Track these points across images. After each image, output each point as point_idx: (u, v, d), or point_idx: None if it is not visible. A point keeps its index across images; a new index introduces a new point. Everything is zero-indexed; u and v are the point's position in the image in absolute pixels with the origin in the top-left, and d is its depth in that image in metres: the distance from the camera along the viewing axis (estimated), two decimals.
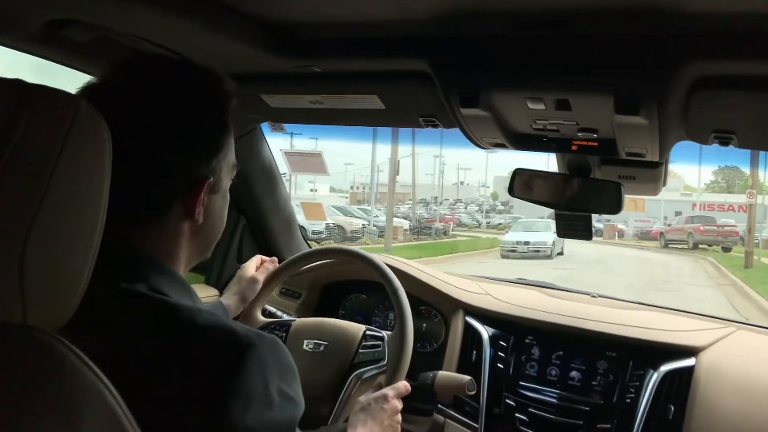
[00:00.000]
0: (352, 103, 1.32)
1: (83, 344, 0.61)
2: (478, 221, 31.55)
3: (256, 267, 1.60)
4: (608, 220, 27.34)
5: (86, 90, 0.78)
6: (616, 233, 24.34)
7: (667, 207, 25.71)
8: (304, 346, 1.54)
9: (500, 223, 29.64)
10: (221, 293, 2.13)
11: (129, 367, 0.67)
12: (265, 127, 1.91)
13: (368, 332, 1.52)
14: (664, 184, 1.41)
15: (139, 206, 0.77)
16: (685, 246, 21.68)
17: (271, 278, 1.69)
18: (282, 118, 1.68)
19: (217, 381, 0.68)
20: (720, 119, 1.03)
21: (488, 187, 40.79)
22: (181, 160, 0.78)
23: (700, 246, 21.33)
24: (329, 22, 1.04)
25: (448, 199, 37.10)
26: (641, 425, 1.41)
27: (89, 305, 0.63)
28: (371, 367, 1.47)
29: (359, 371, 1.46)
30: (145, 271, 0.76)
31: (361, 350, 1.49)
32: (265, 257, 1.65)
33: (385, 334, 1.51)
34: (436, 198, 36.70)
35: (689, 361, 1.45)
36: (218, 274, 2.16)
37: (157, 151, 0.75)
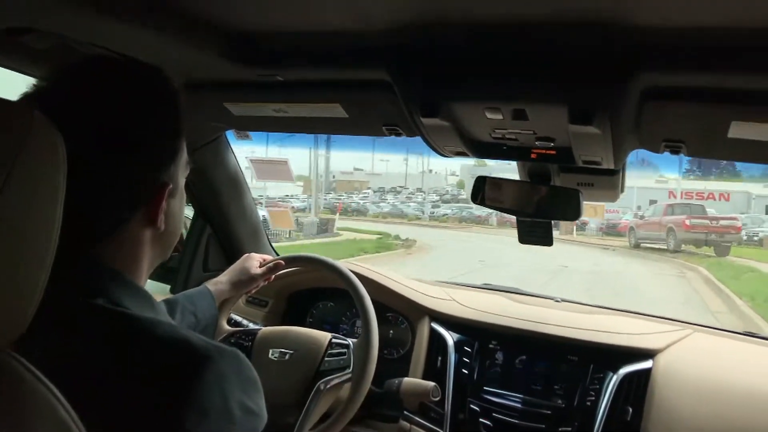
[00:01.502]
0: (316, 111, 1.33)
1: (39, 360, 0.60)
2: (422, 212, 28.20)
3: (259, 264, 1.58)
4: None
5: (30, 97, 0.75)
6: (575, 227, 19.93)
7: (640, 195, 20.61)
8: (270, 355, 1.53)
9: (446, 214, 26.51)
10: None
11: (84, 380, 0.66)
12: (230, 134, 1.91)
13: (334, 340, 1.52)
14: (622, 191, 1.44)
15: (99, 218, 0.75)
16: (663, 246, 15.32)
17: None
18: (246, 126, 1.67)
19: (172, 394, 0.67)
20: (669, 129, 1.07)
21: (456, 175, 39.96)
22: (140, 169, 0.76)
23: (684, 247, 14.89)
24: (291, 32, 1.05)
25: (407, 188, 35.95)
26: (601, 428, 1.44)
27: (47, 319, 0.62)
28: (336, 375, 1.47)
29: (325, 379, 1.46)
30: (106, 284, 0.75)
31: (326, 358, 1.49)
32: (267, 256, 1.63)
33: (350, 341, 1.52)
34: (394, 187, 35.80)
35: (647, 364, 1.48)
36: (184, 283, 2.14)
37: (115, 162, 0.74)
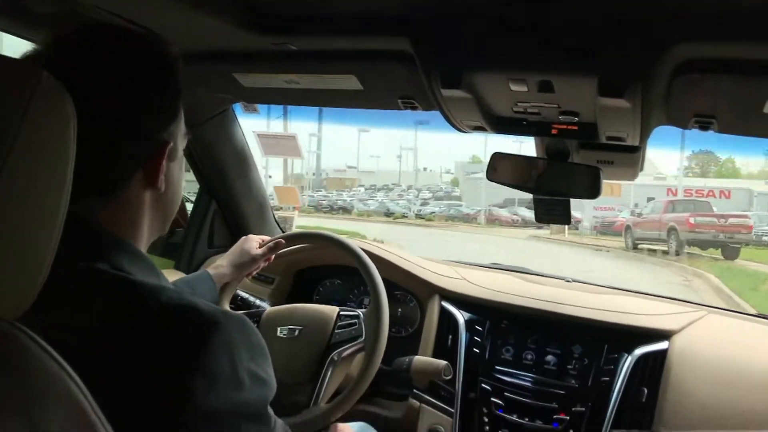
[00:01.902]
0: (329, 83, 1.29)
1: (42, 329, 0.58)
2: (409, 209, 26.59)
3: (258, 245, 1.56)
4: None
5: (34, 59, 0.75)
6: (566, 226, 16.52)
7: (637, 192, 19.40)
8: (278, 333, 1.51)
9: (433, 212, 24.98)
10: None
11: (91, 350, 0.64)
12: (237, 108, 1.86)
13: (342, 312, 1.50)
14: (642, 169, 1.41)
15: (100, 177, 0.74)
16: (664, 248, 13.36)
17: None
18: (255, 98, 1.63)
19: (181, 361, 0.66)
20: (701, 103, 1.03)
21: (451, 173, 39.57)
22: (141, 123, 0.76)
23: (687, 249, 12.93)
24: None
25: (400, 185, 35.11)
26: (615, 408, 1.42)
27: (47, 287, 0.59)
28: (349, 345, 1.45)
29: (338, 350, 1.44)
30: (107, 249, 0.73)
31: (337, 330, 1.47)
32: (266, 237, 1.60)
33: (360, 312, 1.50)
34: (386, 185, 35.15)
35: (662, 345, 1.46)
36: (189, 259, 2.12)
37: (117, 117, 0.74)
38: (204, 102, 1.71)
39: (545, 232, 18.34)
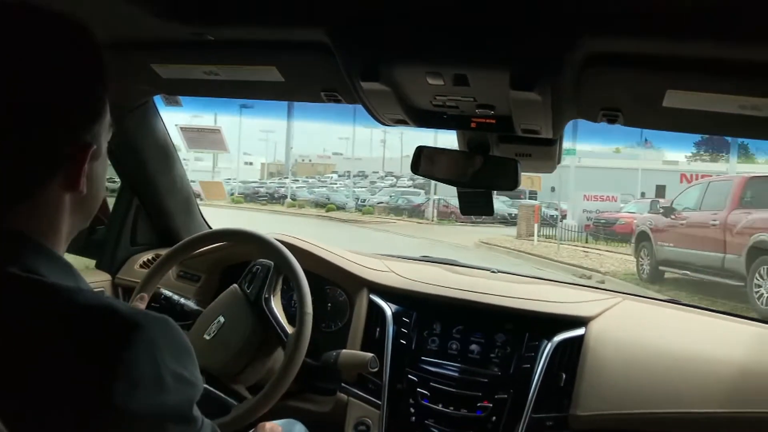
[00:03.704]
0: (250, 74, 1.27)
1: None
2: (358, 199, 23.49)
3: None
4: (531, 194, 17.23)
5: None
6: (537, 224, 12.84)
7: (645, 179, 15.38)
8: (205, 336, 1.54)
9: (381, 203, 21.90)
10: (114, 278, 2.02)
11: (3, 357, 0.61)
12: (158, 100, 1.81)
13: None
14: (559, 162, 1.46)
15: (16, 181, 0.70)
16: (732, 283, 7.08)
17: (163, 263, 1.63)
18: (175, 90, 1.59)
19: (99, 366, 0.64)
20: (607, 97, 1.08)
21: None
22: (60, 124, 0.71)
23: None
24: None
25: (377, 172, 33.19)
26: (535, 393, 1.47)
27: None
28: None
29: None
30: (19, 251, 0.69)
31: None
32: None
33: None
34: (362, 172, 33.28)
35: (579, 331, 1.53)
36: (111, 257, 2.05)
37: (30, 116, 0.68)
38: (122, 93, 1.65)
39: (506, 234, 13.86)
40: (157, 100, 1.80)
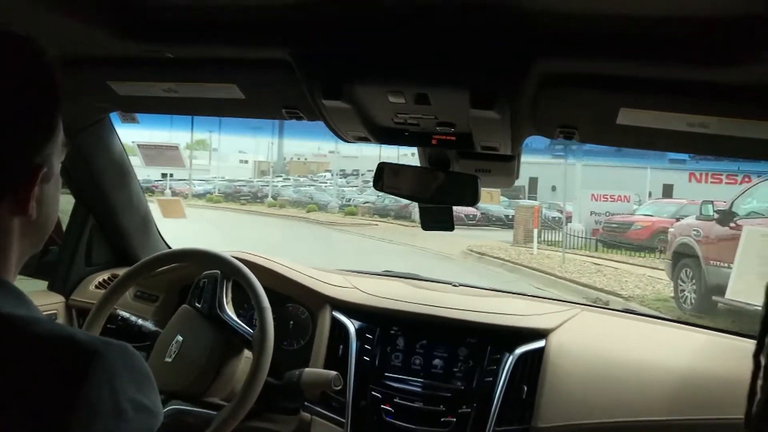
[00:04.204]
0: (210, 92, 1.26)
1: None
2: (344, 198, 21.89)
3: None
4: (531, 193, 16.88)
5: None
6: (537, 229, 11.08)
7: (654, 179, 14.61)
8: (167, 359, 1.51)
9: (367, 202, 20.21)
10: (68, 299, 1.96)
11: None
12: (114, 117, 1.77)
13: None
14: (517, 177, 1.49)
15: None
16: None
17: (120, 284, 1.59)
18: (132, 107, 1.56)
19: (57, 397, 0.61)
20: (564, 115, 1.11)
21: None
22: (9, 145, 0.67)
23: None
24: (183, 4, 0.98)
25: (372, 171, 33.20)
26: (498, 406, 1.49)
27: None
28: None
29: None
30: None
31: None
32: None
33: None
34: (356, 170, 31.55)
35: (540, 343, 1.55)
36: (64, 279, 1.99)
37: None
38: (77, 110, 1.61)
39: (501, 240, 11.88)
40: (114, 117, 1.77)
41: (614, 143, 1.27)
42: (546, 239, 11.87)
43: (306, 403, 1.63)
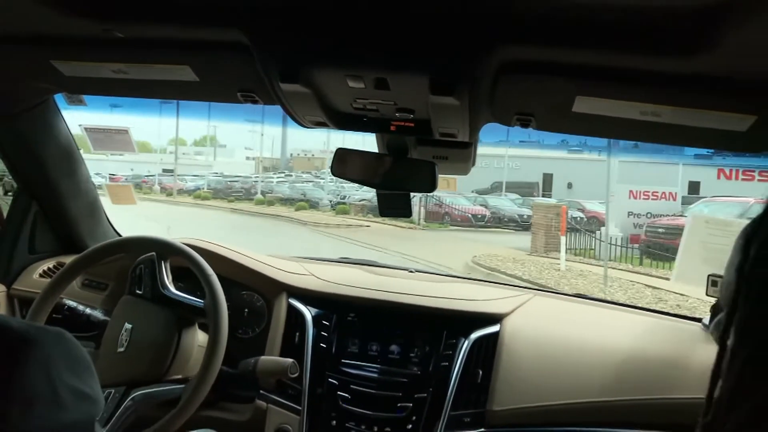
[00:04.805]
0: (162, 73, 1.22)
1: None
2: (338, 195, 20.11)
3: None
4: (545, 191, 15.95)
5: None
6: (562, 236, 8.66)
7: (673, 174, 12.83)
8: (119, 349, 1.48)
9: (363, 200, 17.84)
10: (9, 288, 1.89)
11: None
12: (60, 99, 1.70)
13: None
14: (473, 164, 1.50)
15: None
16: None
17: (67, 273, 1.54)
18: (79, 89, 1.50)
19: None
20: (521, 102, 1.12)
21: None
22: None
23: None
24: None
25: None
26: (454, 391, 1.51)
27: None
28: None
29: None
30: None
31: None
32: None
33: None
34: None
35: (494, 328, 1.58)
36: (6, 267, 1.91)
37: None
38: (18, 91, 1.54)
39: (514, 246, 9.69)
40: (59, 99, 1.70)
41: (569, 131, 1.29)
42: (572, 247, 9.49)
43: (262, 392, 1.62)
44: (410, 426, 1.50)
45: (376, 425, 1.52)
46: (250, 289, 1.76)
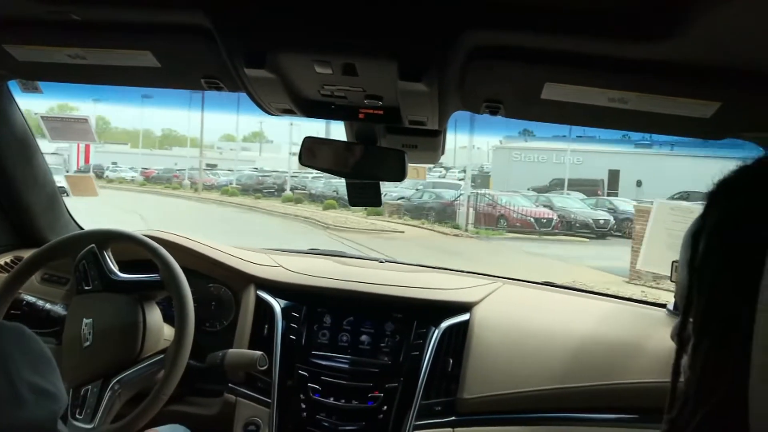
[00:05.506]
0: (121, 59, 1.17)
1: None
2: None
3: None
4: (610, 191, 14.71)
5: None
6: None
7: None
8: (85, 344, 1.42)
9: (402, 198, 16.26)
10: None
11: None
12: (14, 86, 1.63)
13: None
14: (443, 153, 1.50)
15: None
16: None
17: (25, 267, 1.49)
18: (33, 74, 1.43)
19: None
20: (490, 89, 1.12)
21: None
22: None
23: None
24: None
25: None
26: (425, 380, 1.51)
27: None
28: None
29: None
30: None
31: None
32: None
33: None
34: None
35: (464, 316, 1.58)
36: None
37: None
38: None
39: (595, 263, 7.97)
40: (13, 86, 1.63)
41: (538, 118, 1.29)
42: None
43: (230, 385, 1.59)
44: (381, 416, 1.50)
45: (347, 416, 1.51)
46: (217, 282, 1.72)
